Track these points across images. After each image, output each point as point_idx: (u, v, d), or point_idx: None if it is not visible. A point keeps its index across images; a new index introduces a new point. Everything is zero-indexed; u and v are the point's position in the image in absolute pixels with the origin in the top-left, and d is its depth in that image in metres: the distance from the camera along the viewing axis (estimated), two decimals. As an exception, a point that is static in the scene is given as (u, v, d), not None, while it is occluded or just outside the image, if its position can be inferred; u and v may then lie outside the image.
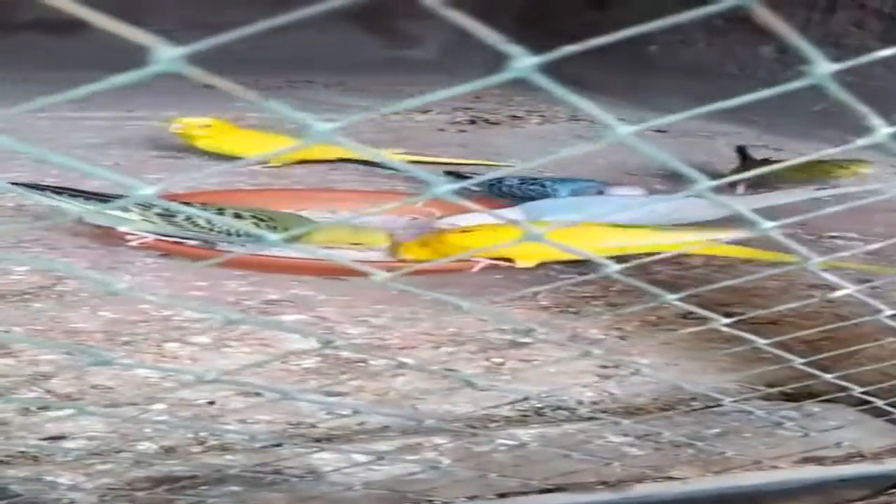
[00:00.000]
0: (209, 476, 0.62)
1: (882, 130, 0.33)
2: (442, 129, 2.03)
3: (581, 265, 1.19)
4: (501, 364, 0.89)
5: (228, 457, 0.66)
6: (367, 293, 1.05)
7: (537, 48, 0.27)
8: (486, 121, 2.49)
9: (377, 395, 0.80)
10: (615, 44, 0.27)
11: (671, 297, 0.44)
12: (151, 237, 1.14)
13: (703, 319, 0.48)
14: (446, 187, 0.31)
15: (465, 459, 0.67)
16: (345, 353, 0.88)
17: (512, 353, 0.91)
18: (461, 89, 0.29)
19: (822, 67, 0.29)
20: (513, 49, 0.26)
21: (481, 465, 0.65)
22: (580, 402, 0.80)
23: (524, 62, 0.27)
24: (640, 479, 0.64)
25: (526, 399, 0.77)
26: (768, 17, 0.27)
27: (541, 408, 0.79)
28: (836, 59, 0.29)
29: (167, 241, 1.15)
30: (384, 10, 3.10)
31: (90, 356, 0.39)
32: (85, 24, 0.24)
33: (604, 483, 0.64)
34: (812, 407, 0.76)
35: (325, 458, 0.66)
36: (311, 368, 0.85)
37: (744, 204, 0.39)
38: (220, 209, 1.19)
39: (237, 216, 1.18)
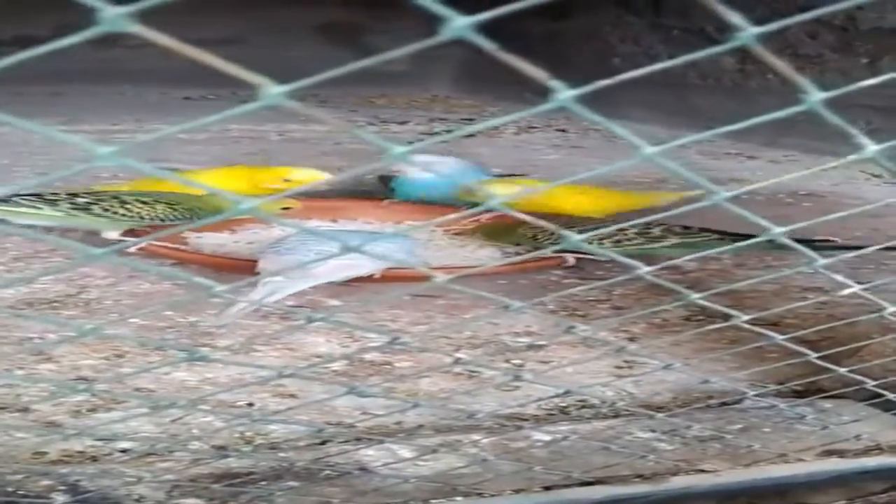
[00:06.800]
0: (267, 472, 0.65)
1: (870, 147, 0.37)
2: (422, 140, 2.07)
3: (581, 270, 1.23)
4: (521, 366, 0.92)
5: (281, 454, 0.69)
6: (381, 298, 1.08)
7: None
8: (465, 131, 2.51)
9: (408, 395, 0.83)
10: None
11: (696, 297, 0.47)
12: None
13: (707, 320, 0.50)
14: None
15: (504, 455, 0.70)
16: (368, 357, 0.91)
17: (530, 354, 0.95)
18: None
19: (814, 95, 0.33)
20: (554, 84, 0.30)
21: (522, 460, 0.68)
22: (603, 401, 0.84)
23: (565, 94, 0.30)
24: (674, 472, 0.67)
25: (567, 393, 0.79)
26: (766, 55, 0.30)
27: (565, 406, 0.83)
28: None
29: (184, 251, 1.18)
30: (352, 27, 3.14)
31: (186, 352, 0.42)
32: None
33: (640, 476, 0.67)
34: (824, 403, 0.80)
35: (370, 455, 0.69)
36: (340, 371, 0.88)
37: None
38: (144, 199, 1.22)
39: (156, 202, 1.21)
